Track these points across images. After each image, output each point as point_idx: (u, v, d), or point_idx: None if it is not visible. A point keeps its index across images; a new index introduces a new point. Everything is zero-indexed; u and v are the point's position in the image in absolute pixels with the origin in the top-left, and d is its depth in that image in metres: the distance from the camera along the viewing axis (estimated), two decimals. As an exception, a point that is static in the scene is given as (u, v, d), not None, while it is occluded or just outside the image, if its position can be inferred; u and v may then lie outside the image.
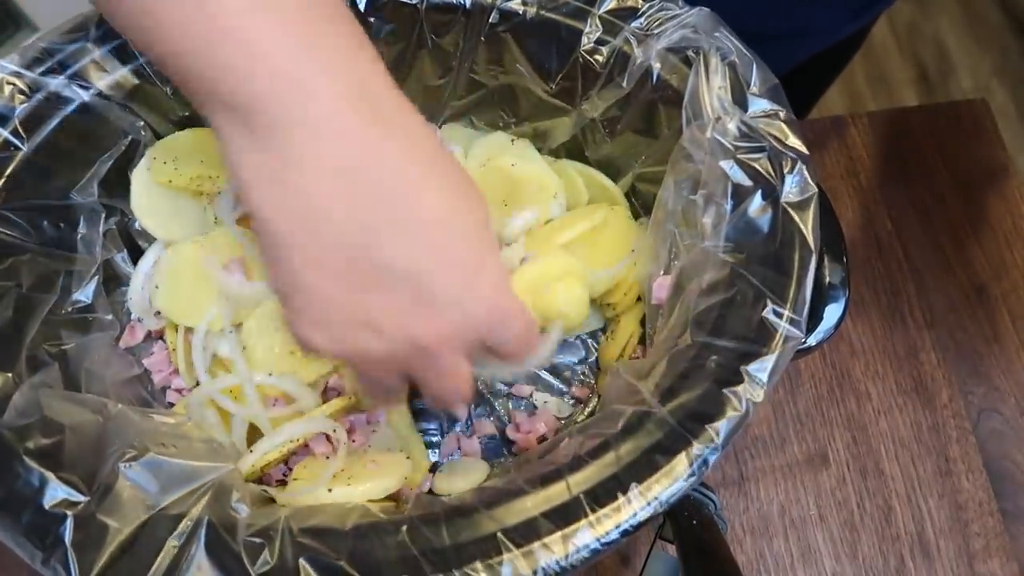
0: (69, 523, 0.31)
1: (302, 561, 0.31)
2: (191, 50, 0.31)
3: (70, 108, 0.44)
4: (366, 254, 0.33)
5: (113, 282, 0.50)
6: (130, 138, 0.47)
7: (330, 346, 0.35)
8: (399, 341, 0.34)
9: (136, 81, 0.46)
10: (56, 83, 0.43)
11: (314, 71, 0.31)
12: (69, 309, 0.45)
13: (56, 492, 0.32)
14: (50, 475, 0.32)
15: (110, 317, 0.47)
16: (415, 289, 0.33)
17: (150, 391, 0.48)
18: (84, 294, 0.45)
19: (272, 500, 0.39)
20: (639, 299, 0.50)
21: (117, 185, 0.48)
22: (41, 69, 0.43)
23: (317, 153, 0.31)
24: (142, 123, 0.48)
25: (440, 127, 0.55)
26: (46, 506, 0.32)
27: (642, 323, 0.50)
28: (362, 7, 0.48)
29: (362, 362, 0.36)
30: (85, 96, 0.44)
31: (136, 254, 0.50)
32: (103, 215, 0.47)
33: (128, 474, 0.33)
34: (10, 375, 0.37)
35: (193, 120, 0.50)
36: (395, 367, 0.36)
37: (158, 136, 0.49)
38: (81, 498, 0.32)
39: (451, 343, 0.35)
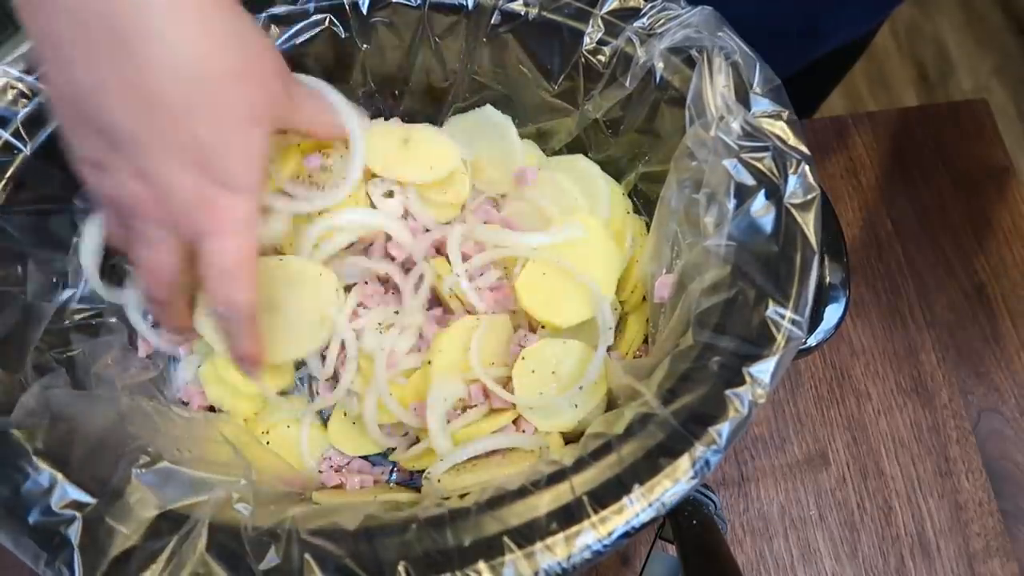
0: (78, 524, 0.31)
1: (308, 559, 0.31)
2: None
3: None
4: (94, 105, 0.33)
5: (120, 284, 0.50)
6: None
7: (74, 166, 0.37)
8: (114, 194, 0.36)
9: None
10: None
11: None
12: (74, 314, 0.45)
13: (66, 493, 0.32)
14: (60, 476, 0.32)
15: (114, 319, 0.47)
16: (135, 159, 0.34)
17: (164, 394, 0.48)
18: (88, 298, 0.46)
19: (280, 501, 0.40)
20: (645, 298, 0.50)
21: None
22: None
23: None
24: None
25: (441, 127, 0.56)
26: (55, 507, 0.32)
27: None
28: (364, 9, 0.48)
29: (93, 195, 0.38)
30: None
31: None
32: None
33: (140, 480, 0.33)
34: (18, 377, 0.37)
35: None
36: (119, 215, 0.37)
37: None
38: (91, 500, 0.32)
39: (160, 219, 0.35)
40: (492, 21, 0.48)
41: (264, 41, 0.38)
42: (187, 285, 0.40)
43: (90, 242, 0.45)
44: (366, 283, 0.50)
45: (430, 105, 0.54)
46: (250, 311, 0.39)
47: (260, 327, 0.40)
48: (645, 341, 0.49)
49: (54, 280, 0.44)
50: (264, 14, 0.47)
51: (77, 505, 0.32)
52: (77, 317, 0.45)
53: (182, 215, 0.35)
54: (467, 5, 0.48)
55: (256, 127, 0.36)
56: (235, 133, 0.35)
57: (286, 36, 0.48)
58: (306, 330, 0.46)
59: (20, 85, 0.42)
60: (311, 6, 0.48)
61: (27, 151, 0.42)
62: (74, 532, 0.31)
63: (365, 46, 0.50)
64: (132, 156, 0.34)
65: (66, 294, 0.44)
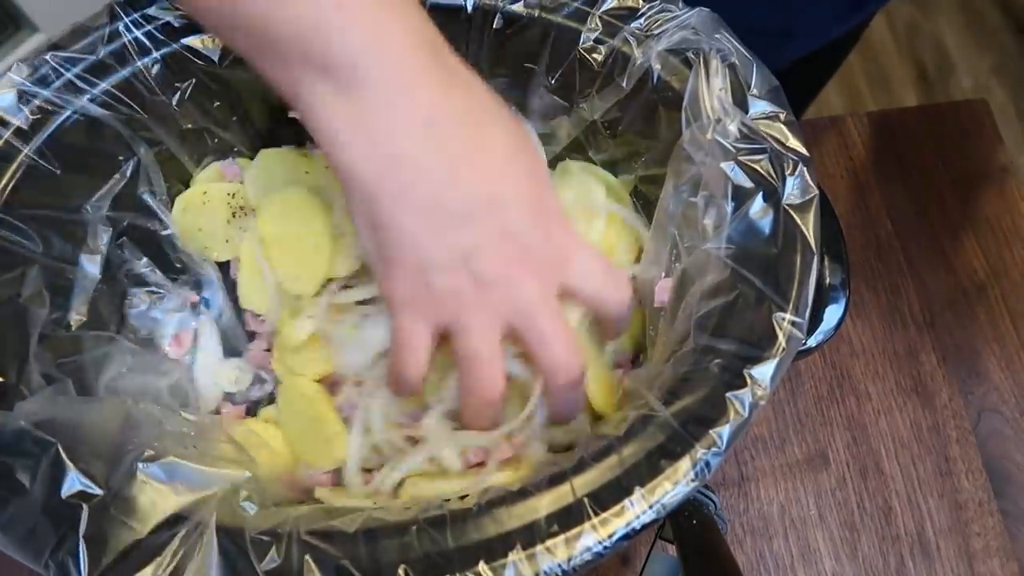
0: (84, 515, 0.31)
1: (307, 560, 0.31)
2: (281, 18, 0.34)
3: (74, 117, 0.44)
4: (449, 188, 0.35)
5: (131, 289, 0.50)
6: (136, 158, 0.48)
7: (418, 288, 0.37)
8: (496, 276, 0.36)
9: (141, 91, 0.46)
10: (61, 92, 0.43)
11: (396, 31, 0.35)
12: (81, 327, 0.45)
13: (74, 482, 0.32)
14: (69, 465, 0.32)
15: (112, 333, 0.47)
16: (498, 216, 0.36)
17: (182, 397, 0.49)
18: (94, 307, 0.46)
19: (282, 502, 0.40)
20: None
21: (125, 197, 0.48)
22: (45, 77, 0.43)
23: (399, 103, 0.34)
24: (143, 144, 0.48)
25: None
26: (63, 495, 0.32)
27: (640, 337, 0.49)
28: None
29: (457, 313, 0.37)
30: (89, 105, 0.44)
31: (160, 262, 0.51)
32: (111, 228, 0.47)
33: (146, 473, 0.33)
34: (19, 385, 0.37)
35: (195, 131, 0.50)
36: (497, 321, 0.37)
37: (158, 147, 0.49)
38: (98, 491, 0.32)
39: (540, 280, 0.37)
40: (492, 23, 0.48)
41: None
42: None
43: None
44: None
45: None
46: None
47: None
48: (636, 358, 0.49)
49: (56, 285, 0.44)
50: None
51: (84, 496, 0.32)
52: (78, 322, 0.45)
53: (546, 253, 0.37)
54: (466, 7, 0.48)
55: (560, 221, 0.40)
56: (541, 175, 0.39)
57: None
58: None
59: (23, 90, 0.43)
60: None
61: (28, 153, 0.42)
62: (81, 522, 0.31)
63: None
64: (494, 219, 0.36)
65: (72, 300, 0.45)
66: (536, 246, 0.37)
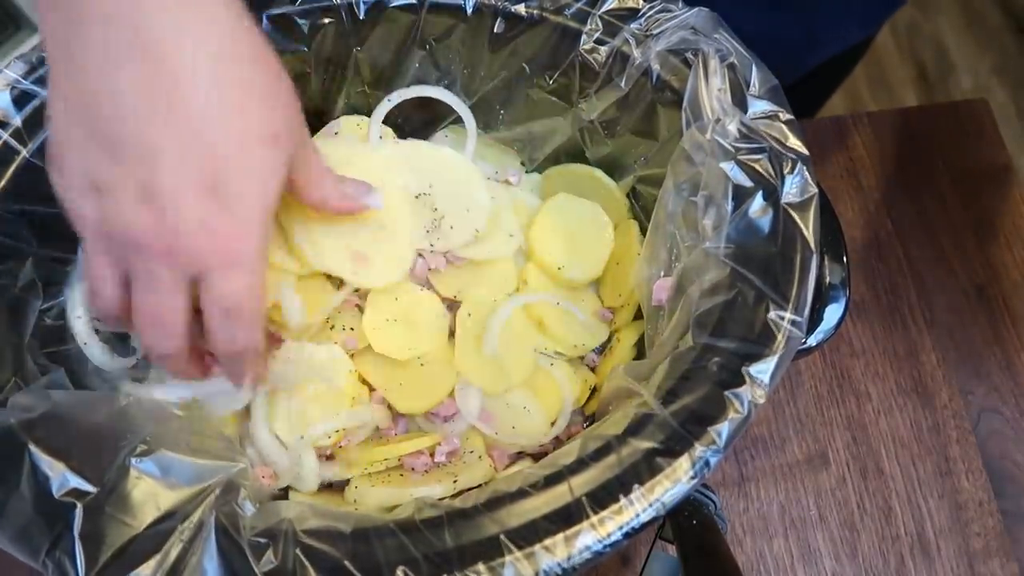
0: (78, 513, 0.31)
1: (305, 561, 0.31)
2: None
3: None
4: (106, 114, 0.32)
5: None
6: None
7: (61, 193, 0.34)
8: (114, 220, 0.33)
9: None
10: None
11: None
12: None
13: (67, 481, 0.32)
14: (60, 464, 0.32)
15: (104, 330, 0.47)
16: (143, 173, 0.32)
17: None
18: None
19: (278, 498, 0.40)
20: (637, 315, 0.50)
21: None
22: (42, 76, 0.43)
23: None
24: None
25: (440, 128, 0.56)
26: (55, 495, 0.32)
27: (638, 343, 0.50)
28: (361, 13, 0.48)
29: (79, 225, 0.34)
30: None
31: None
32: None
33: (139, 469, 0.33)
34: (15, 379, 0.37)
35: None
36: (112, 253, 0.34)
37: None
38: (91, 489, 0.32)
39: (163, 252, 0.33)
40: (491, 24, 0.48)
41: (286, 78, 0.36)
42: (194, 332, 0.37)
43: (80, 307, 0.44)
44: None
45: (421, 103, 0.54)
46: (254, 350, 0.37)
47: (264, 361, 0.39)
48: (641, 347, 0.49)
49: (49, 279, 0.44)
50: (262, 15, 0.47)
51: (77, 494, 0.32)
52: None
53: (186, 242, 0.33)
54: (465, 8, 0.48)
55: (274, 152, 0.34)
56: (251, 153, 0.33)
57: (282, 37, 0.48)
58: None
59: (19, 87, 0.42)
60: (308, 8, 0.48)
61: (26, 153, 0.42)
62: (75, 520, 0.31)
63: (358, 49, 0.50)
64: (138, 169, 0.32)
65: (63, 294, 0.45)
66: (178, 229, 0.32)
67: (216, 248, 0.33)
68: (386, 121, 0.53)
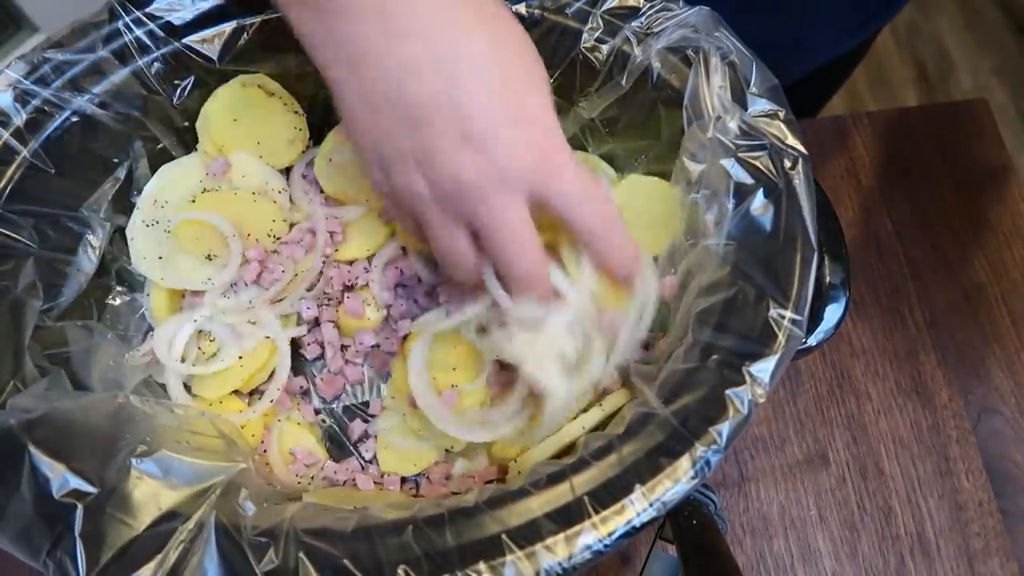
0: (79, 513, 0.31)
1: (305, 560, 0.31)
2: None
3: (72, 116, 0.44)
4: (404, 88, 0.35)
5: (125, 285, 0.50)
6: (130, 160, 0.48)
7: (382, 181, 0.38)
8: (444, 178, 0.35)
9: (139, 90, 0.46)
10: (59, 91, 0.43)
11: None
12: (68, 314, 0.45)
13: (67, 481, 0.32)
14: (60, 465, 0.32)
15: (104, 332, 0.47)
16: (456, 123, 0.34)
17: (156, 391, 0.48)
18: (81, 300, 0.46)
19: (281, 497, 0.40)
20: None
21: (120, 198, 0.48)
22: (43, 76, 0.43)
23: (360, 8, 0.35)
24: (139, 145, 0.48)
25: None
26: (56, 495, 0.32)
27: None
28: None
29: (414, 204, 0.37)
30: (87, 105, 0.44)
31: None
32: (107, 225, 0.47)
33: (140, 469, 0.33)
34: (14, 381, 0.37)
35: (192, 131, 0.50)
36: (450, 212, 0.37)
37: (155, 145, 0.49)
38: (92, 489, 0.32)
39: (497, 183, 0.35)
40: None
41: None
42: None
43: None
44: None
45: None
46: (614, 217, 0.39)
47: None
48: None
49: (50, 280, 0.44)
50: (263, 15, 0.47)
51: (78, 494, 0.32)
52: (68, 319, 0.45)
53: (515, 165, 0.35)
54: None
55: (542, 129, 0.37)
56: (535, 89, 0.37)
57: (283, 37, 0.48)
58: None
59: (21, 88, 0.42)
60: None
61: (27, 153, 0.42)
62: (76, 521, 0.31)
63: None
64: (451, 124, 0.35)
65: (63, 295, 0.45)
66: (502, 155, 0.35)
67: (543, 162, 0.36)
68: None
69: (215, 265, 0.49)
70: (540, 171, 0.36)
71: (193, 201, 0.49)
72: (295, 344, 0.51)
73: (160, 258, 0.49)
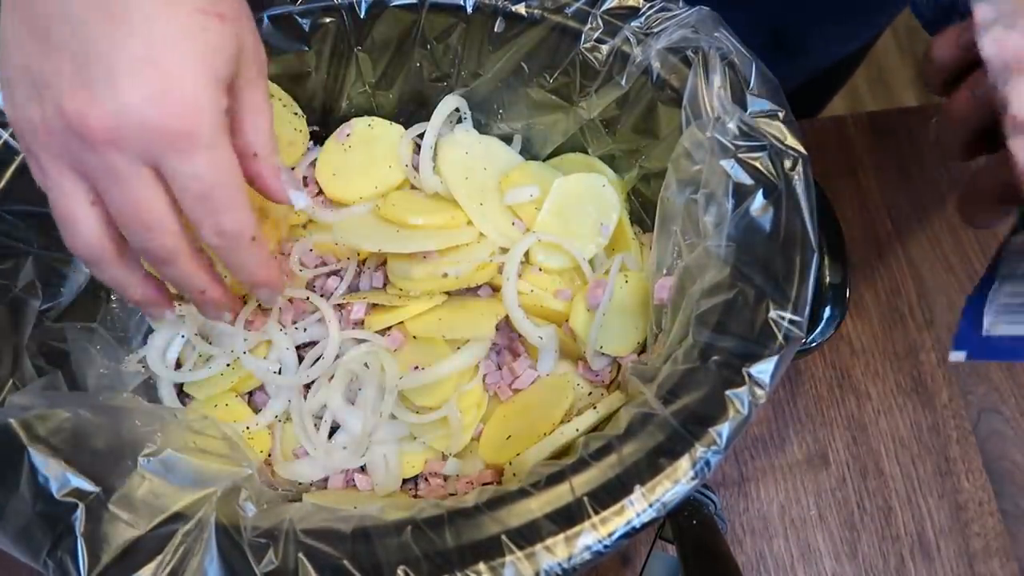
0: (80, 512, 0.31)
1: (305, 561, 0.31)
2: None
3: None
4: (47, 11, 0.30)
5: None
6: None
7: (5, 104, 0.32)
8: (53, 114, 0.30)
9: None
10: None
11: None
12: (71, 315, 0.45)
13: (67, 481, 0.32)
14: (60, 465, 0.32)
15: (101, 327, 0.47)
16: (73, 51, 0.30)
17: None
18: (80, 301, 0.46)
19: (281, 498, 0.40)
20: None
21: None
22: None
23: None
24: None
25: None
26: (56, 495, 0.32)
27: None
28: (362, 14, 0.48)
29: (28, 137, 0.32)
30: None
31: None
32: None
33: (146, 469, 0.33)
34: (12, 380, 0.37)
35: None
36: (65, 158, 0.31)
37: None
38: (93, 489, 0.32)
39: (113, 139, 0.30)
40: (496, 28, 0.48)
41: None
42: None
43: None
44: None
45: (422, 101, 0.54)
46: (246, 234, 0.34)
47: (266, 250, 0.36)
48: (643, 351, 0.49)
49: (49, 280, 0.44)
50: (263, 15, 0.47)
51: (79, 493, 0.32)
52: (67, 319, 0.45)
53: (128, 121, 0.30)
54: (466, 8, 0.48)
55: (219, 27, 0.32)
56: (190, 27, 0.31)
57: (283, 37, 0.48)
58: None
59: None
60: (309, 7, 0.48)
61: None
62: (78, 520, 0.31)
63: (359, 48, 0.50)
64: (74, 56, 0.30)
65: (62, 295, 0.45)
66: (117, 109, 0.30)
67: (164, 126, 0.30)
68: (387, 117, 0.54)
69: None
70: (162, 132, 0.30)
71: None
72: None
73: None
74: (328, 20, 0.48)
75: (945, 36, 0.35)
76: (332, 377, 0.48)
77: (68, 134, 0.30)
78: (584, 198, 0.51)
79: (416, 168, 0.53)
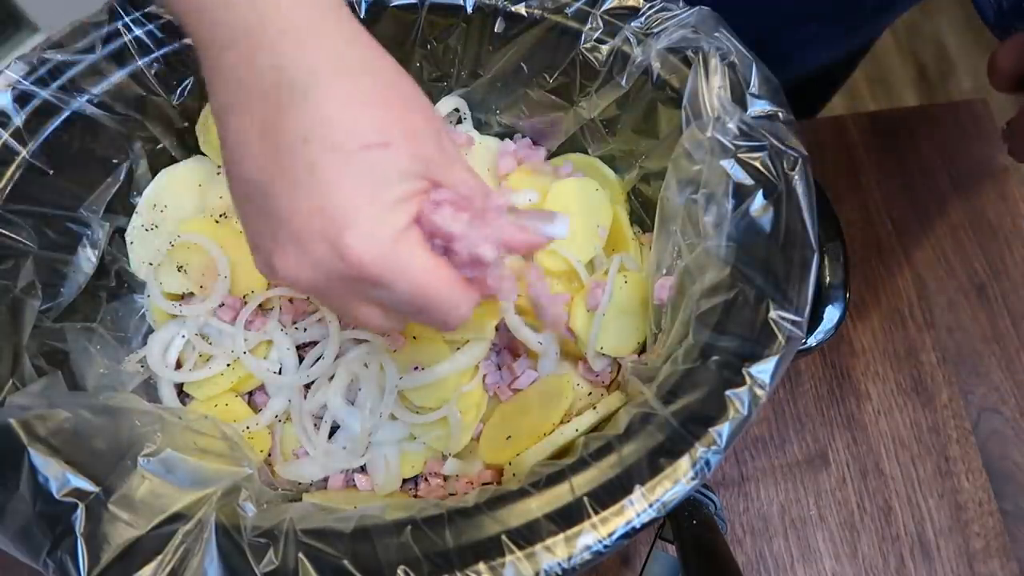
0: (80, 512, 0.31)
1: (305, 561, 0.31)
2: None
3: (72, 118, 0.44)
4: (239, 160, 0.32)
5: (124, 287, 0.50)
6: (129, 161, 0.48)
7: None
8: (269, 270, 0.33)
9: (139, 91, 0.46)
10: (58, 91, 0.43)
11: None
12: (71, 315, 0.45)
13: (67, 481, 0.32)
14: (60, 464, 0.32)
15: (103, 334, 0.47)
16: (265, 213, 0.31)
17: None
18: (79, 301, 0.46)
19: (281, 498, 0.40)
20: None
21: (119, 199, 0.48)
22: (42, 77, 0.43)
23: (233, 58, 0.32)
24: (139, 145, 0.48)
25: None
26: (56, 495, 0.32)
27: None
28: (362, 14, 0.48)
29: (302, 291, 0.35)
30: (87, 106, 0.44)
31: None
32: (107, 226, 0.47)
33: (147, 469, 0.33)
34: (12, 380, 0.37)
35: (192, 132, 0.50)
36: (327, 298, 0.34)
37: (155, 146, 0.49)
38: (93, 488, 0.32)
39: (318, 288, 0.32)
40: (496, 28, 0.48)
41: (405, 84, 0.34)
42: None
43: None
44: None
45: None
46: (466, 311, 0.34)
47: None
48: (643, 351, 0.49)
49: (49, 280, 0.44)
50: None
51: (79, 493, 0.32)
52: (66, 319, 0.45)
53: (329, 284, 0.32)
54: (466, 8, 0.48)
55: (384, 156, 0.31)
56: (353, 162, 0.31)
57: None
58: None
59: (20, 89, 0.42)
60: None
61: (26, 153, 0.42)
62: (78, 520, 0.31)
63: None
64: (271, 223, 0.32)
65: (62, 295, 0.45)
66: (297, 251, 0.32)
67: (351, 273, 0.31)
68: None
69: (207, 280, 0.49)
70: (363, 277, 0.31)
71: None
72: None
73: (159, 264, 0.49)
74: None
75: (1009, 45, 0.38)
76: (332, 377, 0.48)
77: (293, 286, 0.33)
78: (580, 202, 0.51)
79: None
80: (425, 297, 0.32)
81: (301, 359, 0.49)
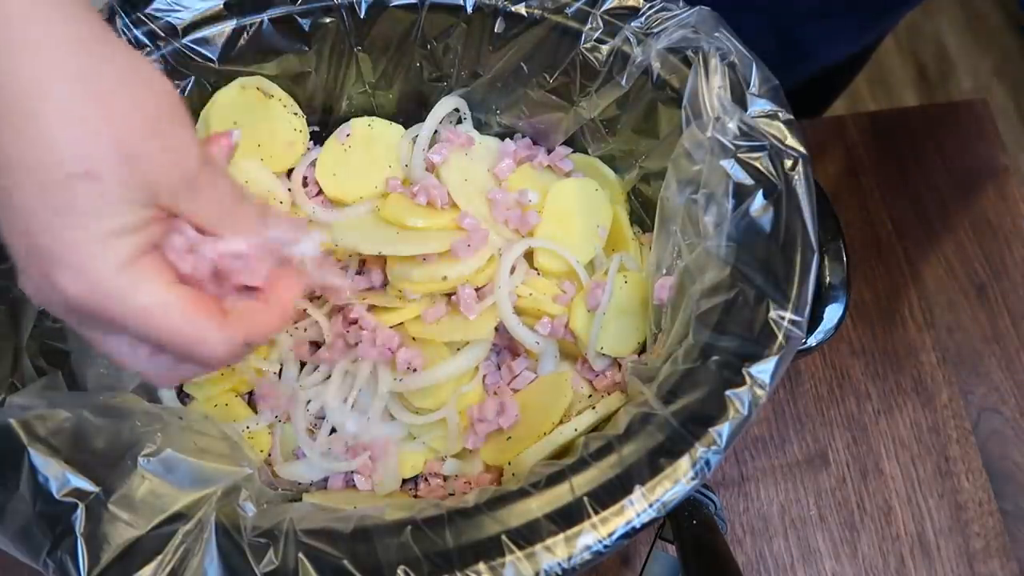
0: (80, 512, 0.31)
1: (305, 561, 0.31)
2: None
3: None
4: None
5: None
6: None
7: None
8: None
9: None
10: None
11: None
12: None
13: (67, 481, 0.32)
14: (60, 464, 0.32)
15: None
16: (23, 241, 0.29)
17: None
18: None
19: (281, 498, 0.40)
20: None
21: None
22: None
23: None
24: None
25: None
26: (56, 494, 0.32)
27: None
28: (362, 14, 0.48)
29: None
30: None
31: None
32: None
33: (147, 469, 0.33)
34: (12, 380, 0.37)
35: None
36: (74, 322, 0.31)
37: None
38: (93, 488, 0.32)
39: (60, 316, 0.30)
40: (496, 28, 0.48)
41: (138, 83, 0.29)
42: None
43: None
44: None
45: (422, 101, 0.54)
46: (224, 352, 0.31)
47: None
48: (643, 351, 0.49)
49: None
50: (263, 15, 0.47)
51: (79, 493, 0.32)
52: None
53: (57, 309, 0.30)
54: (466, 8, 0.48)
55: (90, 187, 0.28)
56: (55, 198, 0.28)
57: (283, 37, 0.48)
58: None
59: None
60: (309, 7, 0.48)
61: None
62: (78, 520, 0.31)
63: (359, 48, 0.50)
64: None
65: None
66: (32, 284, 0.29)
67: (82, 313, 0.29)
68: (387, 117, 0.54)
69: None
70: (85, 315, 0.29)
71: None
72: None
73: None
74: (328, 20, 0.48)
75: None
76: (329, 378, 0.48)
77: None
78: (580, 202, 0.51)
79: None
80: (158, 332, 0.29)
81: (301, 360, 0.49)
